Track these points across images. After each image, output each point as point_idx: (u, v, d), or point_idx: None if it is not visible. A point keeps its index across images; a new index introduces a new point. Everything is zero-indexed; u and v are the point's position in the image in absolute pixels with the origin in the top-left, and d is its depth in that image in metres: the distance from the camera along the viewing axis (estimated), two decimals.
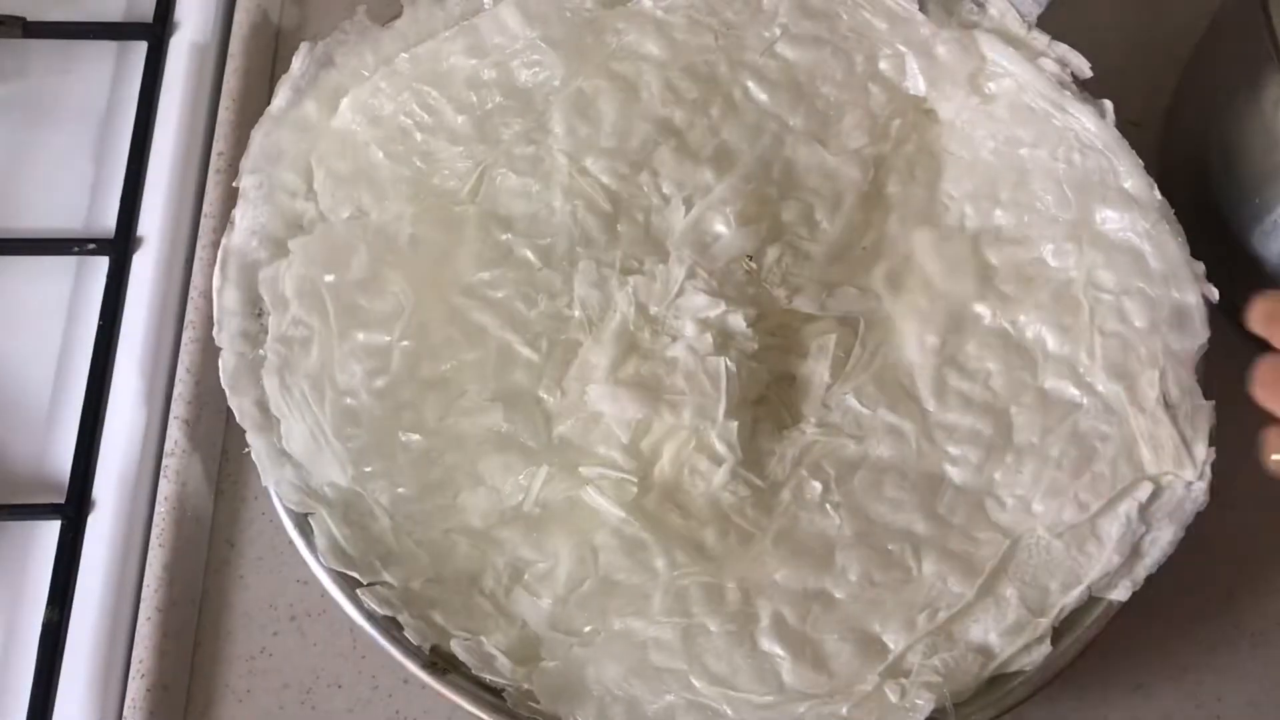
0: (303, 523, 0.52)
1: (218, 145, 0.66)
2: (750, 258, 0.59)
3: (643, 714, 0.49)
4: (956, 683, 0.49)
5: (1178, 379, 0.53)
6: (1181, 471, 0.51)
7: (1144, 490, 0.52)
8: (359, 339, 0.55)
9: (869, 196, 0.61)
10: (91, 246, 0.64)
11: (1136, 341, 0.54)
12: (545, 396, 0.57)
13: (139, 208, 0.65)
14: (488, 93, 0.60)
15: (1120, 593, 0.50)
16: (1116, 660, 0.56)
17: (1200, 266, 0.54)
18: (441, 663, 0.50)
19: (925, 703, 0.48)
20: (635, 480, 0.55)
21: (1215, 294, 0.53)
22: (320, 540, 0.51)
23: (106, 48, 0.71)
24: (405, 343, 0.56)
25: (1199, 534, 0.51)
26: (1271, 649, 0.57)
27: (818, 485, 0.55)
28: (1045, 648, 0.49)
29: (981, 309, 0.57)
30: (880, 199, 0.61)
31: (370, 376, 0.54)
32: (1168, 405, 0.52)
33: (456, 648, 0.49)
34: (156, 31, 0.70)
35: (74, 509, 0.58)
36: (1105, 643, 0.50)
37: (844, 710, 0.49)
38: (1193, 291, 0.54)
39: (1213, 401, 0.52)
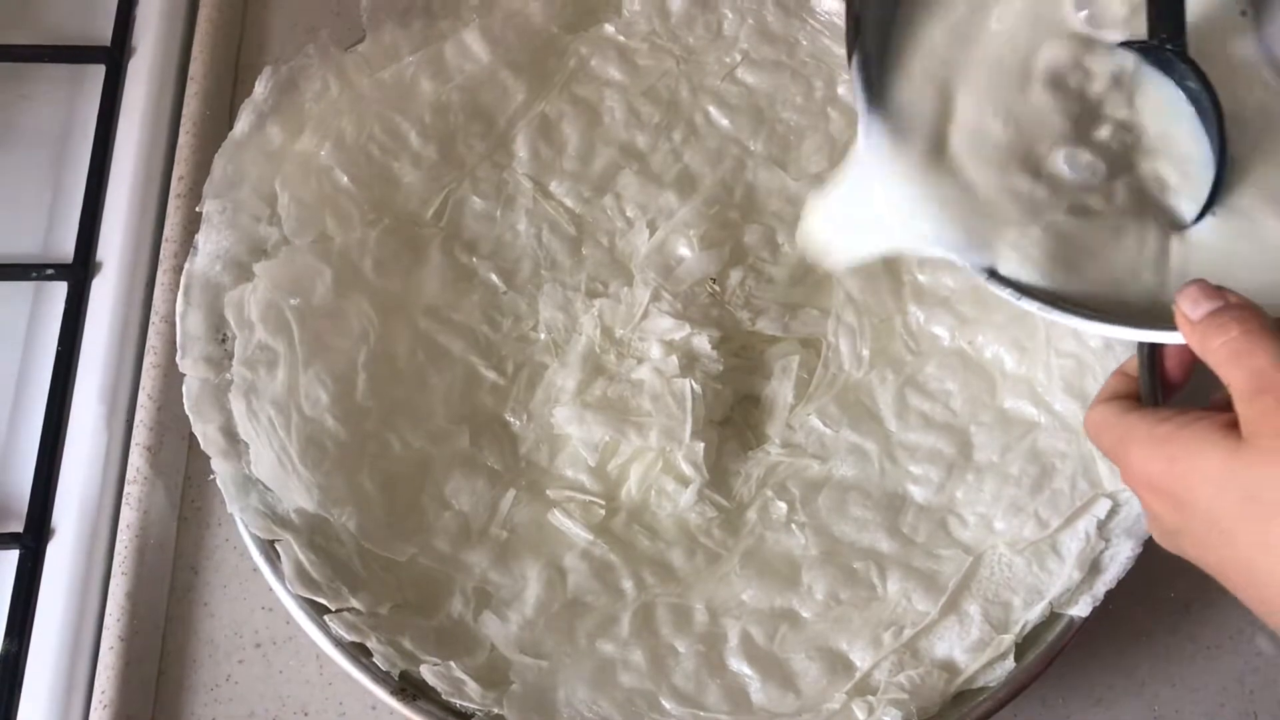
0: (269, 549, 0.52)
1: (178, 170, 0.65)
2: (714, 280, 0.59)
3: None
4: (923, 699, 0.49)
5: None
6: None
7: (1102, 507, 0.52)
8: (324, 364, 0.55)
9: None
10: (50, 272, 0.63)
11: (1092, 360, 0.55)
12: (511, 420, 0.57)
13: (98, 233, 0.64)
14: (452, 116, 0.61)
15: (1081, 608, 0.51)
16: (1077, 674, 0.57)
17: None
18: (410, 689, 0.49)
19: (892, 719, 0.48)
20: (603, 503, 0.55)
21: None
22: (287, 567, 0.50)
23: (63, 71, 0.70)
24: (371, 367, 0.56)
25: (1155, 549, 0.51)
26: (1225, 661, 0.58)
27: (783, 505, 0.56)
28: (1009, 663, 0.50)
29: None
30: None
31: (336, 402, 0.54)
32: None
33: (426, 673, 0.49)
34: (114, 55, 0.69)
35: (33, 537, 0.57)
36: (1066, 657, 0.51)
37: None
38: None
39: None
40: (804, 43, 0.64)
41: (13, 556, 0.57)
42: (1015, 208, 0.43)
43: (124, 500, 0.58)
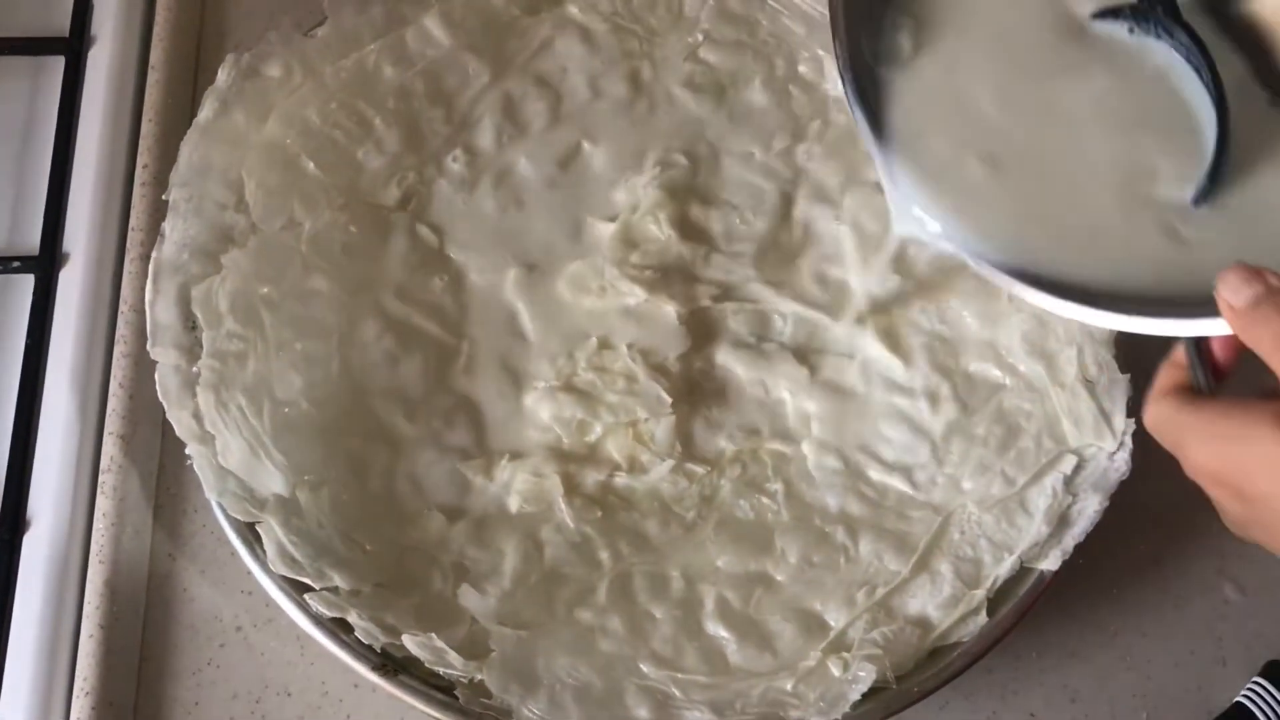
0: (246, 532, 0.52)
1: (142, 159, 0.65)
2: (683, 256, 0.60)
3: (593, 700, 0.50)
4: (897, 655, 0.50)
5: (1095, 355, 0.55)
6: (1102, 443, 0.53)
7: (1068, 463, 0.54)
8: (297, 349, 0.55)
9: (791, 195, 0.62)
10: (16, 264, 0.63)
11: (1054, 322, 0.56)
12: (483, 399, 0.58)
13: (63, 224, 0.64)
14: (415, 102, 0.61)
15: (1051, 562, 0.52)
16: (1050, 628, 0.58)
17: None
18: (391, 664, 0.50)
19: (867, 674, 0.49)
20: (577, 477, 0.56)
21: None
22: (269, 548, 0.50)
23: (22, 63, 0.70)
24: (343, 350, 0.56)
25: (1123, 503, 0.53)
26: (1194, 610, 0.59)
27: (755, 473, 0.56)
28: (981, 618, 0.51)
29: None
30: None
31: (310, 386, 0.55)
32: (1086, 380, 0.54)
33: (409, 642, 0.49)
34: (74, 46, 0.69)
35: (8, 529, 0.57)
36: (1039, 612, 0.52)
37: (789, 686, 0.50)
38: None
39: (1129, 375, 0.54)
40: (764, 23, 0.65)
41: None
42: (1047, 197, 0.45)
43: (99, 489, 0.58)
